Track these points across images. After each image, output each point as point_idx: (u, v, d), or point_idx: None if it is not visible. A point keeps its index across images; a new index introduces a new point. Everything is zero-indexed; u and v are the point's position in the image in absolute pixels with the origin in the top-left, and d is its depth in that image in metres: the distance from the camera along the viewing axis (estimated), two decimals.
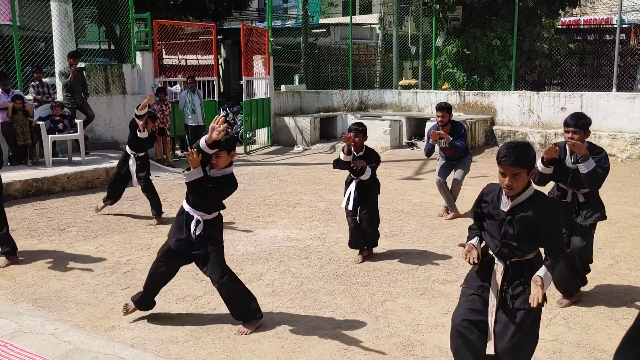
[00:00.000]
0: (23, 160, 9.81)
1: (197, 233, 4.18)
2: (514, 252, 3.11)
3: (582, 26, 18.78)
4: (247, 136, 14.02)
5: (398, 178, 10.20)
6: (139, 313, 4.50)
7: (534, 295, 2.92)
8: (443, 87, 16.40)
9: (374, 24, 22.71)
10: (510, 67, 14.89)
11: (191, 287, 5.07)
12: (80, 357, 3.67)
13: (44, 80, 10.74)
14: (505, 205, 3.11)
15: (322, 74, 19.21)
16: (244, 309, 4.27)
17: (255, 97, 14.05)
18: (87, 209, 7.99)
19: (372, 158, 5.67)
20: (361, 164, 5.54)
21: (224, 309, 4.56)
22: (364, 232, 5.79)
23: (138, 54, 12.43)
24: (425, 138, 7.66)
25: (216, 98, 13.54)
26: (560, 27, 17.39)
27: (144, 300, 4.46)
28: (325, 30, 22.76)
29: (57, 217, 7.59)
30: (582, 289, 4.90)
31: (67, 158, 10.25)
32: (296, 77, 18.41)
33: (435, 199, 8.11)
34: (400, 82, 18.15)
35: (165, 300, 4.79)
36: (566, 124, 4.53)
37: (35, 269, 5.58)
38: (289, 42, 19.49)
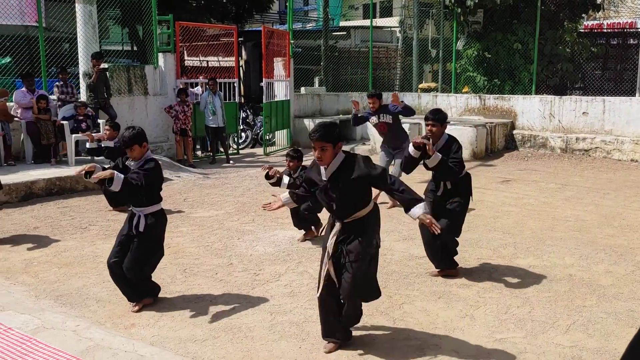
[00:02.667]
0: (47, 159, 9.98)
1: (139, 228, 4.48)
2: (346, 211, 3.76)
3: (605, 30, 18.57)
4: (267, 138, 14.09)
5: (417, 181, 10.15)
6: (158, 308, 4.57)
7: (431, 223, 3.69)
8: (463, 91, 16.33)
9: (394, 27, 22.71)
10: (532, 71, 14.77)
11: (210, 287, 5.12)
12: (101, 354, 3.73)
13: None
14: (325, 174, 3.76)
15: (342, 77, 19.25)
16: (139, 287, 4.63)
17: (275, 99, 14.12)
18: (109, 207, 8.09)
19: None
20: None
21: (242, 309, 4.61)
22: None
23: (160, 55, 12.56)
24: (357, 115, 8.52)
25: (237, 100, 13.63)
26: (583, 30, 17.20)
27: (130, 291, 4.66)
28: (345, 32, 22.80)
29: (79, 216, 7.71)
30: (601, 294, 4.88)
31: (89, 157, 10.39)
32: (316, 80, 18.45)
33: None
34: (420, 85, 18.11)
35: (184, 300, 4.84)
36: (426, 118, 5.22)
37: (57, 267, 5.68)
38: (309, 44, 19.55)
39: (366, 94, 8.55)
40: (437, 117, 5.20)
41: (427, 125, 5.23)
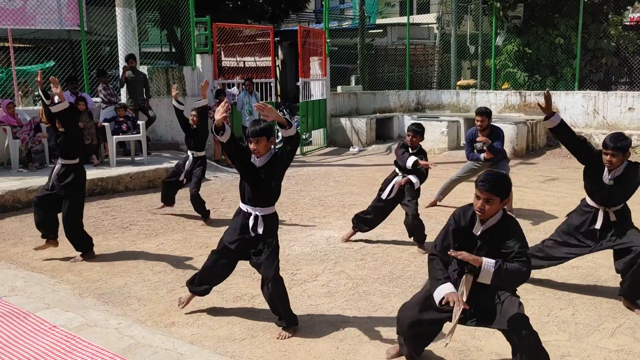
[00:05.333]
0: (89, 160, 10.19)
1: (258, 230, 4.19)
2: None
3: None
4: (303, 137, 14.11)
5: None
6: (197, 307, 4.61)
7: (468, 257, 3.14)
8: (503, 87, 16.04)
9: (431, 23, 22.45)
10: (574, 66, 14.41)
11: (248, 286, 5.15)
12: (142, 352, 3.78)
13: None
14: (477, 228, 3.32)
15: (378, 75, 19.13)
16: (287, 311, 4.25)
17: (312, 99, 14.13)
18: (149, 207, 8.23)
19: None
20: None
21: None
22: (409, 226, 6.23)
23: (198, 56, 12.71)
24: (465, 143, 7.76)
25: (273, 99, 13.69)
26: (628, 23, 16.70)
27: (198, 288, 4.58)
28: (381, 30, 22.67)
29: (120, 215, 7.86)
30: None
31: (130, 158, 10.59)
32: (352, 78, 18.40)
33: None
34: (459, 82, 17.87)
35: (223, 299, 4.88)
36: (605, 145, 4.45)
37: (100, 266, 5.80)
38: (345, 43, 19.51)
39: (475, 110, 7.67)
40: (620, 146, 4.39)
41: (606, 154, 4.44)
